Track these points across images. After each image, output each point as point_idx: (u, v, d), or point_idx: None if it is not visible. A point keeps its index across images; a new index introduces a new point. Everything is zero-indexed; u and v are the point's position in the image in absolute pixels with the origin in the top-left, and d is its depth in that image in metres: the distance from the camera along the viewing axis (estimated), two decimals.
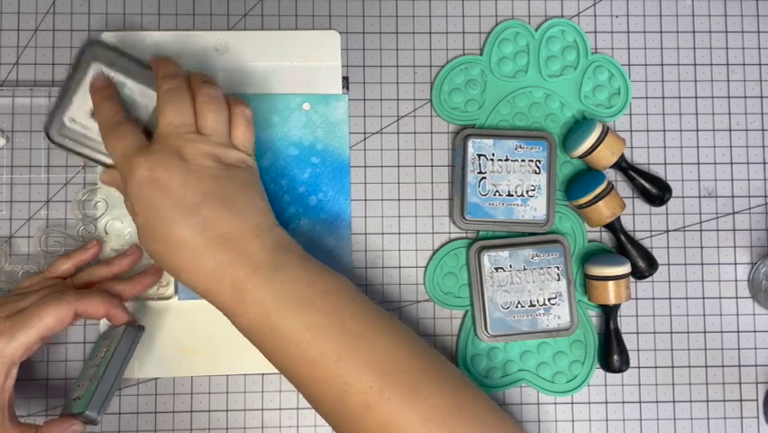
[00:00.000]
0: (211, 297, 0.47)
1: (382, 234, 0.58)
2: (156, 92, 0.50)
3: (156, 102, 0.50)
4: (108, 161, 0.53)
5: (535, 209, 0.56)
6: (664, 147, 0.59)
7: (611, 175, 0.58)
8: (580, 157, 0.56)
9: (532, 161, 0.56)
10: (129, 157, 0.48)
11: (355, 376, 0.44)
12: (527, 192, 0.56)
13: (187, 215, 0.46)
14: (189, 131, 0.48)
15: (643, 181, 0.57)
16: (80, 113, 0.53)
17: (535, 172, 0.56)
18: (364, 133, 0.58)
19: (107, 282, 0.53)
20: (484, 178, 0.56)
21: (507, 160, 0.56)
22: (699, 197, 0.59)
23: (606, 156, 0.55)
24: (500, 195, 0.56)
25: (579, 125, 0.57)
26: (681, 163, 0.59)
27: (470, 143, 0.56)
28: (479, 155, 0.56)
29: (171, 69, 0.50)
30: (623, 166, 0.57)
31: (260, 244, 0.47)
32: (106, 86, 0.53)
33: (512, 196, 0.56)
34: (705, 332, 0.58)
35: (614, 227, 0.57)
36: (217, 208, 0.46)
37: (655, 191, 0.57)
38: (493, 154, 0.56)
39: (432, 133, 0.59)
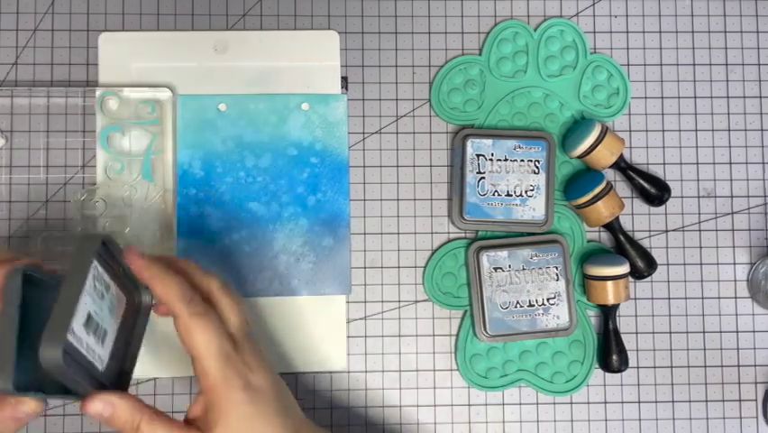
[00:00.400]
0: None
1: (381, 234, 0.58)
2: (177, 315, 0.44)
3: (183, 326, 0.44)
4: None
5: (534, 209, 0.56)
6: (663, 147, 0.59)
7: (610, 175, 0.58)
8: (579, 157, 0.56)
9: (531, 160, 0.56)
10: (226, 382, 0.43)
11: None
12: (526, 192, 0.56)
13: (280, 424, 0.45)
14: (231, 350, 0.44)
15: (642, 181, 0.57)
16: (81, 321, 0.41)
17: (534, 172, 0.56)
18: (363, 133, 0.58)
19: None
20: (483, 178, 0.56)
21: (505, 160, 0.56)
22: (698, 197, 0.59)
23: (605, 156, 0.55)
24: (499, 195, 0.56)
25: (578, 125, 0.57)
26: (680, 163, 0.59)
27: (468, 143, 0.56)
28: (477, 155, 0.56)
29: (181, 289, 0.44)
30: (622, 166, 0.57)
31: None
32: (157, 260, 0.45)
33: (511, 196, 0.56)
34: (704, 332, 0.58)
35: (613, 227, 0.57)
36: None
37: (654, 191, 0.57)
38: (492, 154, 0.56)
39: (431, 133, 0.59)
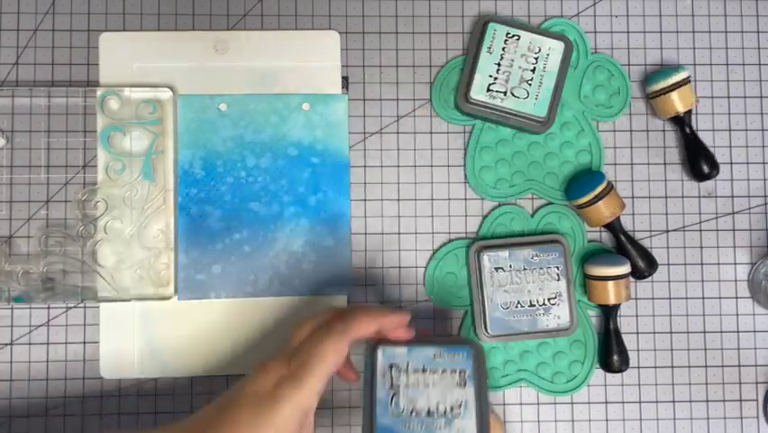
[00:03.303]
0: None
1: (382, 234, 0.58)
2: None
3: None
4: None
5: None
6: (664, 147, 0.59)
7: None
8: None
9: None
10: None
11: None
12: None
13: None
14: None
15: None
16: None
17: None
18: (364, 133, 0.58)
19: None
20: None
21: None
22: (699, 197, 0.59)
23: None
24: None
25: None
26: (681, 163, 0.59)
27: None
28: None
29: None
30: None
31: None
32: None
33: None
34: (705, 332, 0.58)
35: (614, 227, 0.57)
36: None
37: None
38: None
39: (431, 133, 0.59)
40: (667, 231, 0.59)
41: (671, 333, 0.58)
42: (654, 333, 0.58)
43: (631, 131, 0.59)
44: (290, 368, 0.44)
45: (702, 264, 0.59)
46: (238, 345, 0.56)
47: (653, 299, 0.58)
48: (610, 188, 0.56)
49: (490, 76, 0.56)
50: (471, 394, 0.45)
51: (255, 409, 0.43)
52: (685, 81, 0.56)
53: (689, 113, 0.57)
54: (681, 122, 0.57)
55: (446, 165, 0.58)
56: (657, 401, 0.58)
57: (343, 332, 0.45)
